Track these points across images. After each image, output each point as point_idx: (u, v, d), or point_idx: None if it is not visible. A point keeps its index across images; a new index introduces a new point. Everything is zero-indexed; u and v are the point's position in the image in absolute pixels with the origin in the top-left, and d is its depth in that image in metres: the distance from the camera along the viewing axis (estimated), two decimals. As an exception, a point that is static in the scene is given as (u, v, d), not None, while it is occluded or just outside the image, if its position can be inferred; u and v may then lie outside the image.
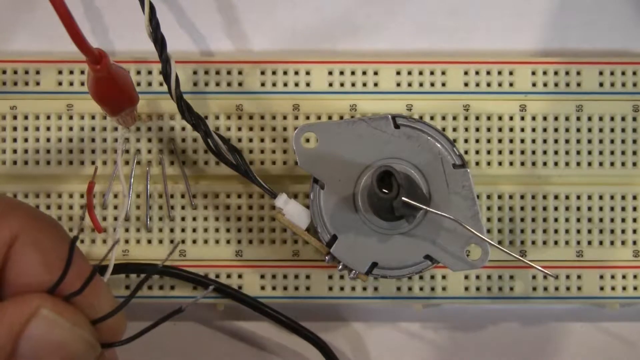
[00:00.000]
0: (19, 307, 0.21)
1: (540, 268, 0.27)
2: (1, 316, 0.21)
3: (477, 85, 0.31)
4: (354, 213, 0.28)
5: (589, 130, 0.31)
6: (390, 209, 0.27)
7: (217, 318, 0.32)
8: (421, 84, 0.31)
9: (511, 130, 0.31)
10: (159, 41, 0.28)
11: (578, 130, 0.31)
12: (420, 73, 0.31)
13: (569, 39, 0.33)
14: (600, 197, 0.31)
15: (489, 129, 0.31)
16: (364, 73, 0.31)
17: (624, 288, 0.31)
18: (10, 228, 0.21)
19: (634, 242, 0.31)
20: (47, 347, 0.21)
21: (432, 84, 0.31)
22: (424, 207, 0.27)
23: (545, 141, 0.31)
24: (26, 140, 0.31)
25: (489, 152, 0.31)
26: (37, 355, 0.21)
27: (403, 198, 0.26)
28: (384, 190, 0.26)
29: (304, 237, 0.29)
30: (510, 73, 0.31)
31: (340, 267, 0.28)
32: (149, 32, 0.28)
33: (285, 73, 0.31)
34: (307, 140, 0.29)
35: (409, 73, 0.31)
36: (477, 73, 0.31)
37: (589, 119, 0.31)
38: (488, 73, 0.31)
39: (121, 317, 0.23)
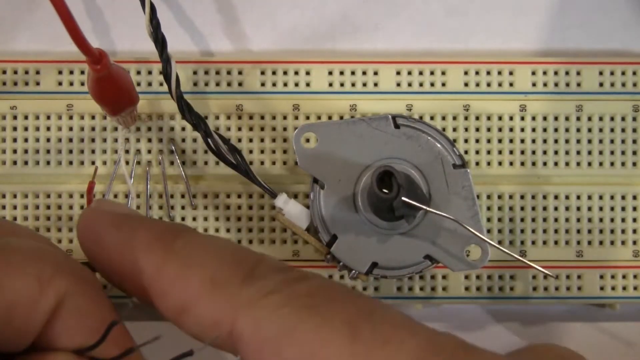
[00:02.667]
0: None
1: (540, 268, 0.27)
2: None
3: (477, 85, 0.31)
4: (354, 213, 0.28)
5: (589, 130, 0.31)
6: (390, 209, 0.27)
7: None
8: (421, 84, 0.31)
9: (511, 130, 0.31)
10: (160, 41, 0.28)
11: (578, 130, 0.31)
12: (420, 73, 0.31)
13: (569, 39, 0.33)
14: (600, 197, 0.31)
15: (489, 129, 0.31)
16: (364, 73, 0.31)
17: (624, 288, 0.31)
18: (57, 293, 0.21)
19: (634, 242, 0.31)
20: None
21: (432, 84, 0.31)
22: (424, 207, 0.27)
23: (545, 141, 0.31)
24: (26, 140, 0.31)
25: (489, 152, 0.31)
26: None
27: (403, 198, 0.26)
28: (384, 190, 0.26)
29: (304, 237, 0.29)
30: (510, 73, 0.31)
31: (340, 267, 0.28)
32: (149, 32, 0.28)
33: (285, 73, 0.31)
34: (307, 141, 0.29)
35: (409, 73, 0.31)
36: (477, 73, 0.31)
37: (589, 119, 0.31)
38: (488, 73, 0.31)
39: None
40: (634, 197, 0.31)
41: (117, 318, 0.22)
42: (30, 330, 0.21)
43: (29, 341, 0.21)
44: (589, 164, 0.31)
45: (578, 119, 0.31)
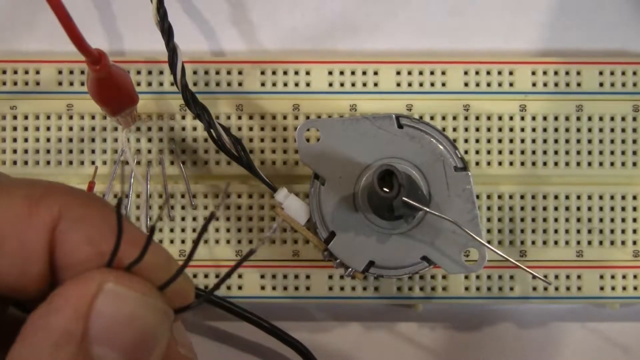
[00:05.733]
0: (81, 286, 0.19)
1: (535, 273, 0.27)
2: (65, 300, 0.19)
3: (477, 85, 0.31)
4: (353, 211, 0.28)
5: (589, 130, 0.31)
6: (390, 208, 0.27)
7: (211, 318, 0.32)
8: (421, 84, 0.31)
9: (511, 130, 0.31)
10: (166, 30, 0.28)
11: (578, 130, 0.31)
12: (420, 73, 0.31)
13: (569, 39, 0.33)
14: (600, 197, 0.31)
15: (489, 129, 0.31)
16: (364, 73, 0.31)
17: (624, 288, 0.31)
18: (50, 211, 0.20)
19: (634, 242, 0.31)
20: (119, 322, 0.19)
21: (432, 84, 0.31)
22: (424, 208, 0.27)
23: (545, 141, 0.31)
24: (26, 140, 0.31)
25: (489, 152, 0.31)
26: (110, 334, 0.19)
27: (403, 198, 0.26)
28: (385, 189, 0.26)
29: (302, 232, 0.29)
30: (510, 73, 0.31)
31: (336, 264, 0.28)
32: (156, 21, 0.28)
33: (285, 73, 0.31)
34: (307, 140, 0.29)
35: (409, 73, 0.31)
36: (477, 73, 0.31)
37: (589, 119, 0.31)
38: (488, 73, 0.31)
39: (187, 278, 0.21)
40: (634, 197, 0.31)
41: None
42: (32, 253, 0.20)
43: (39, 268, 0.20)
44: (589, 164, 0.31)
45: (578, 119, 0.31)
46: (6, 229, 0.20)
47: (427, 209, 0.27)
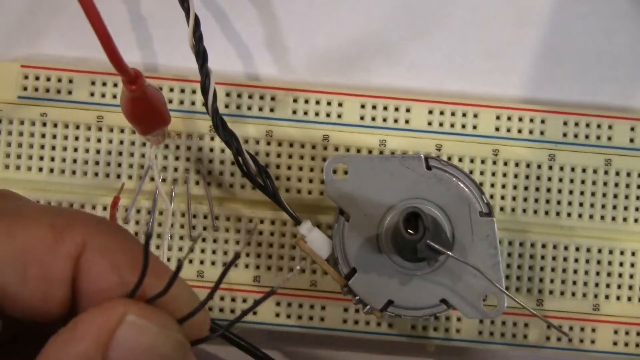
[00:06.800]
0: (103, 315, 0.20)
1: (554, 325, 0.27)
2: (87, 327, 0.20)
3: (508, 130, 0.31)
4: (376, 249, 0.28)
5: (616, 185, 0.31)
6: (414, 250, 0.27)
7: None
8: (452, 125, 0.31)
9: (538, 178, 0.31)
10: (201, 54, 0.28)
11: (605, 184, 0.31)
12: (452, 114, 0.31)
13: (602, 92, 0.33)
14: (622, 253, 0.31)
15: (516, 175, 0.31)
16: (396, 109, 0.31)
17: (637, 345, 0.31)
18: (74, 240, 0.21)
19: (652, 301, 0.31)
20: (138, 353, 0.20)
21: (464, 126, 0.31)
22: (448, 252, 0.27)
23: (571, 192, 0.31)
24: (54, 148, 0.31)
25: (514, 199, 0.31)
26: None
27: (427, 241, 0.26)
28: (410, 231, 0.26)
29: (324, 266, 0.29)
30: (542, 121, 0.31)
31: (355, 300, 0.28)
32: (191, 45, 0.28)
33: (317, 103, 0.31)
34: (334, 172, 0.29)
35: (441, 113, 0.31)
36: (509, 119, 0.31)
37: (617, 173, 0.31)
38: (520, 119, 0.31)
39: (204, 311, 0.22)
40: (657, 256, 0.31)
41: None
42: (55, 280, 0.20)
43: (61, 295, 0.21)
44: (613, 218, 0.31)
45: (606, 172, 0.31)
46: (31, 256, 0.20)
47: (451, 254, 0.27)
